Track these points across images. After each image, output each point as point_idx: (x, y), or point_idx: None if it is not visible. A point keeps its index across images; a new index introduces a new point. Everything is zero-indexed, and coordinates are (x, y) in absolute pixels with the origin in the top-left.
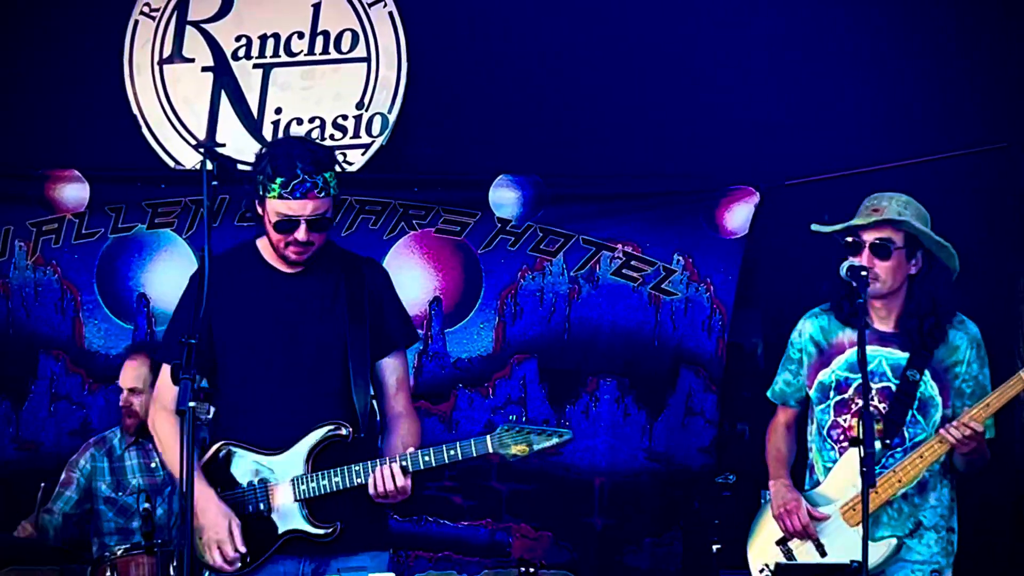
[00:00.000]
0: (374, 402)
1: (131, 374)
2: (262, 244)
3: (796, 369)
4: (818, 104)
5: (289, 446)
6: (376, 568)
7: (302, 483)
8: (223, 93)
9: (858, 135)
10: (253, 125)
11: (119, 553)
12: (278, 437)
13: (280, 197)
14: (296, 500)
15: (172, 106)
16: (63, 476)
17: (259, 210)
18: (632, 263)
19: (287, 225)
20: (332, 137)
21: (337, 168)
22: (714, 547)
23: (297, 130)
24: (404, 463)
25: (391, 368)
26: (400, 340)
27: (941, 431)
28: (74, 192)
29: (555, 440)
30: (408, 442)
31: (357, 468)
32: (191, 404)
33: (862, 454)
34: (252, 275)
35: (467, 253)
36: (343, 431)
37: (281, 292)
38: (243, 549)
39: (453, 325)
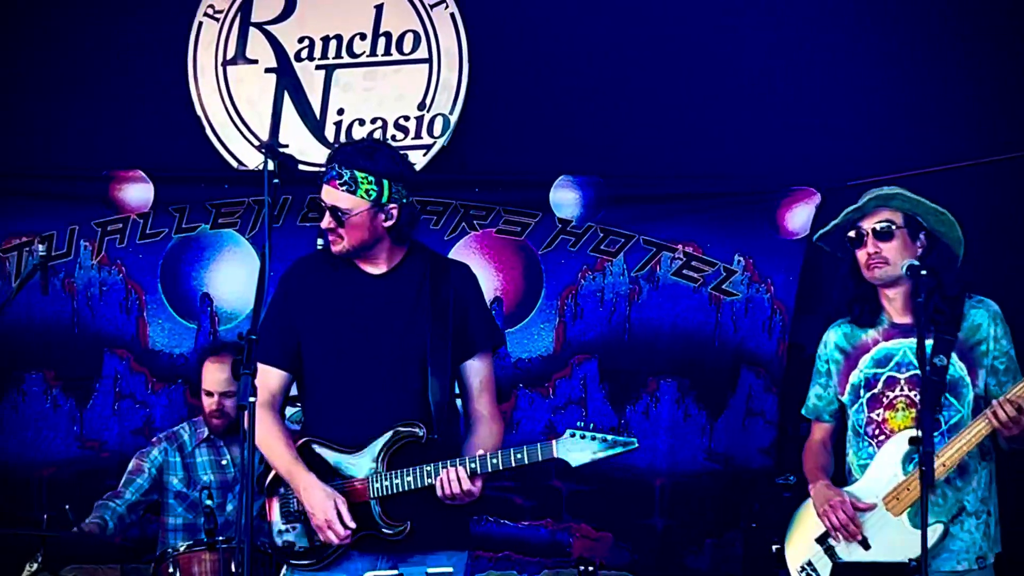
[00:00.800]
0: (459, 402)
1: (220, 377)
2: None
3: (826, 381)
4: (881, 105)
5: (366, 445)
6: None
7: (376, 481)
8: (286, 94)
9: (922, 136)
10: (315, 126)
11: (182, 549)
12: (357, 435)
13: (322, 182)
14: (371, 498)
15: (235, 107)
16: (132, 464)
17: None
18: (693, 263)
19: (321, 211)
20: (394, 138)
21: (385, 178)
22: (773, 548)
23: (359, 131)
24: (473, 465)
25: (474, 370)
26: (484, 343)
27: (988, 411)
28: (139, 192)
29: (620, 449)
30: (486, 445)
31: (428, 468)
32: (252, 400)
33: (920, 452)
34: (338, 275)
35: (528, 253)
36: (418, 431)
37: (366, 293)
38: (353, 525)
39: (514, 325)
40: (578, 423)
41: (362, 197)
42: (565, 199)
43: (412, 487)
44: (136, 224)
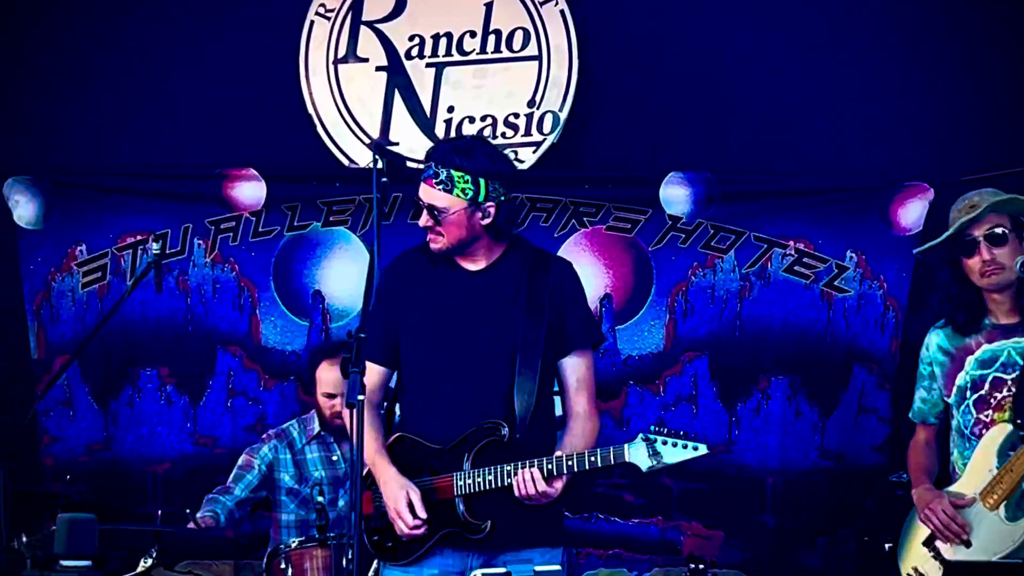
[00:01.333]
0: (557, 399)
1: (333, 378)
2: None
3: (929, 384)
4: (992, 100)
5: (455, 441)
6: (546, 562)
7: (460, 479)
8: (396, 92)
9: None
10: (426, 124)
11: (293, 545)
12: (447, 432)
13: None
14: (456, 495)
15: (346, 105)
16: (242, 460)
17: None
18: (804, 260)
19: (420, 209)
20: (504, 135)
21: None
22: (887, 546)
23: (469, 128)
24: (549, 467)
25: (571, 367)
26: (583, 340)
27: None
28: (251, 191)
29: (690, 454)
30: (578, 444)
31: (508, 468)
32: (360, 398)
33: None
34: (437, 271)
35: (638, 250)
36: (501, 430)
37: (463, 289)
38: (423, 515)
39: (624, 322)
40: (651, 427)
41: (458, 196)
42: (675, 196)
43: (492, 486)
44: (249, 222)
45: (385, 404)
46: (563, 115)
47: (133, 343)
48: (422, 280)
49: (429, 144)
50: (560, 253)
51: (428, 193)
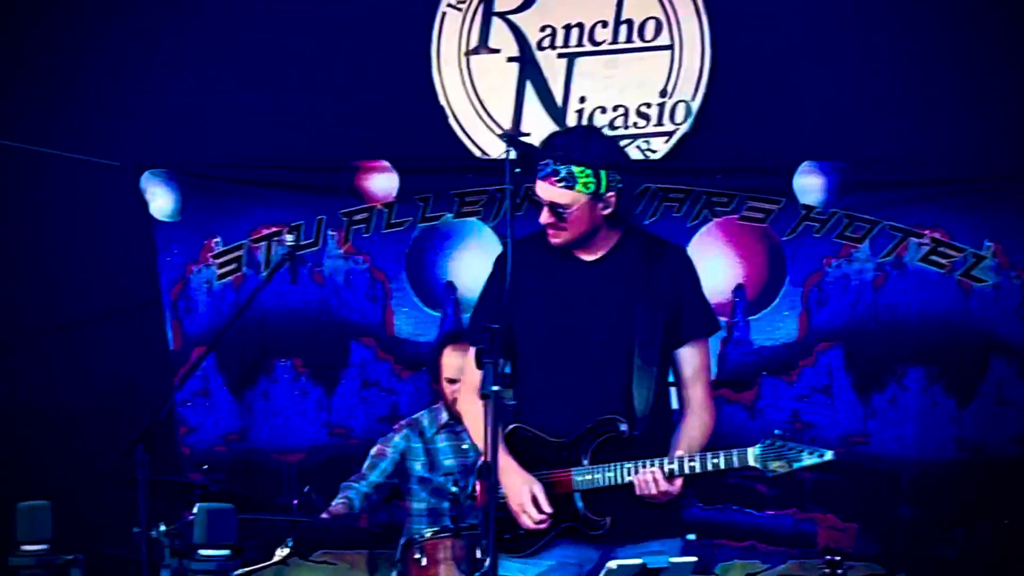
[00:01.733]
0: (672, 390)
1: (456, 363)
2: None
3: None
4: None
5: (572, 435)
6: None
7: (579, 475)
8: (528, 83)
9: None
10: (557, 114)
11: (428, 535)
12: (564, 426)
13: (537, 178)
14: (574, 491)
15: (478, 96)
16: (375, 449)
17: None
18: (940, 249)
19: (540, 206)
20: (635, 125)
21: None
22: None
23: (600, 119)
24: (671, 467)
25: (687, 358)
26: (699, 330)
27: None
28: (384, 182)
29: (815, 460)
30: (693, 436)
31: (628, 466)
32: (494, 388)
33: None
34: (552, 261)
35: (771, 240)
36: (620, 426)
37: (578, 280)
38: (549, 510)
39: (757, 312)
40: (775, 431)
41: (580, 191)
42: (809, 185)
43: (612, 483)
44: (381, 213)
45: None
46: (695, 104)
47: (268, 334)
48: (537, 270)
49: None
50: (692, 243)
51: (548, 191)
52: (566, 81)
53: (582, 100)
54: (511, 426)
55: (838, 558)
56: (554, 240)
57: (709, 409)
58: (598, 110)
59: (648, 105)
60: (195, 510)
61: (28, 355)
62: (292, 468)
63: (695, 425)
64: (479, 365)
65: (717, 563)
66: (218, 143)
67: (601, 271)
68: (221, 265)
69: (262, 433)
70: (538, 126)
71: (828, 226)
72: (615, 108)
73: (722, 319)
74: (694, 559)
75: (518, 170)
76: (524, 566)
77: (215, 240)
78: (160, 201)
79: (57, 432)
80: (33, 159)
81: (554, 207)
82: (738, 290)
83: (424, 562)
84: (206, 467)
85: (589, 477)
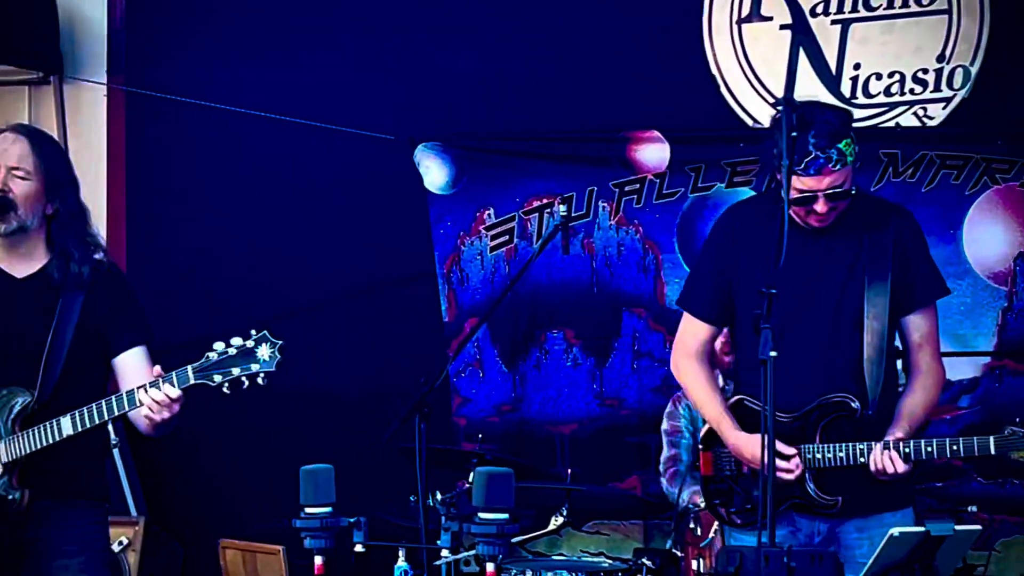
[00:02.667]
0: (899, 361)
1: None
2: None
3: None
4: None
5: (800, 410)
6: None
7: (807, 453)
8: (801, 50)
9: None
10: (831, 81)
11: (703, 506)
12: (790, 399)
13: (795, 174)
14: (805, 469)
15: (750, 65)
16: (668, 426)
17: (779, 177)
18: None
19: (805, 200)
20: (912, 91)
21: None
22: None
23: (876, 85)
24: (907, 450)
25: (915, 325)
26: (927, 297)
27: None
28: (655, 153)
29: None
30: (919, 401)
31: (861, 447)
32: (772, 354)
33: None
34: (775, 227)
35: None
36: (851, 404)
37: (804, 249)
38: (791, 451)
39: None
40: (1017, 419)
41: (849, 165)
42: None
43: (843, 463)
44: (653, 184)
45: None
46: (974, 69)
47: (540, 305)
48: (760, 235)
49: (835, 103)
50: (971, 211)
51: (833, 180)
52: (840, 48)
53: (856, 67)
54: (735, 397)
55: None
56: (821, 224)
57: (935, 373)
58: (873, 76)
59: (925, 71)
60: (471, 476)
61: (306, 326)
62: (564, 439)
63: (921, 388)
64: (756, 330)
65: (997, 539)
66: (490, 115)
67: (828, 239)
68: (493, 237)
69: (534, 404)
70: (811, 94)
71: None
72: (891, 74)
73: (1001, 288)
74: (978, 528)
75: (795, 134)
76: (754, 538)
77: (488, 212)
78: (434, 174)
79: (335, 400)
80: (312, 134)
81: (834, 194)
82: (1019, 259)
83: (699, 532)
84: (481, 436)
85: (819, 456)
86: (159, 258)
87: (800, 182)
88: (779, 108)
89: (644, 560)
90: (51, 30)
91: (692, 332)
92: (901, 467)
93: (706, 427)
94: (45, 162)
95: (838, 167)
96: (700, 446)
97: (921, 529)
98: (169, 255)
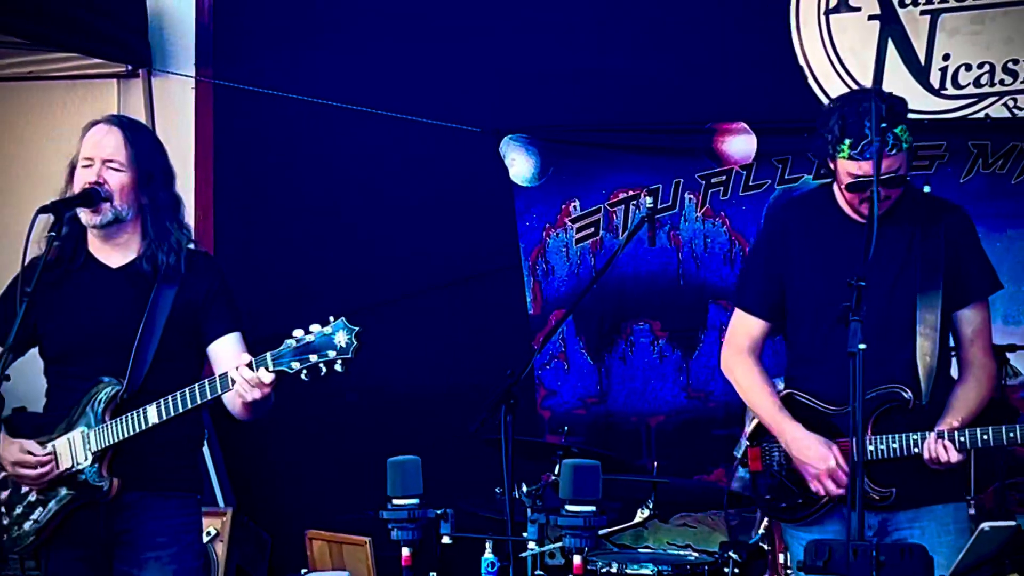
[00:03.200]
0: (954, 355)
1: None
2: (837, 190)
3: None
4: None
5: (848, 403)
6: (952, 518)
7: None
8: (889, 41)
9: None
10: (920, 73)
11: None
12: (840, 394)
13: (850, 158)
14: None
15: (838, 56)
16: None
17: (831, 165)
18: None
19: (859, 186)
20: (1002, 82)
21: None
22: None
23: (965, 76)
24: (962, 439)
25: (967, 319)
26: (980, 291)
27: None
28: (742, 144)
29: None
30: (969, 398)
31: (915, 438)
32: (861, 346)
33: None
34: (826, 222)
35: None
36: (903, 395)
37: (855, 243)
38: (844, 466)
39: None
40: None
41: (905, 151)
42: None
43: (897, 454)
44: (739, 176)
45: None
46: None
47: (625, 297)
48: (811, 230)
49: (924, 94)
50: None
51: (889, 164)
52: (929, 38)
53: (945, 58)
54: (784, 391)
55: None
56: (878, 212)
57: (987, 369)
58: (963, 67)
59: (1016, 61)
60: (557, 469)
61: (393, 319)
62: (651, 431)
63: (973, 383)
64: (845, 323)
65: None
66: (576, 107)
67: (880, 232)
68: (579, 229)
69: (620, 396)
70: (900, 86)
71: None
72: (980, 65)
73: None
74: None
75: (884, 124)
76: (807, 534)
77: (573, 204)
78: (519, 166)
79: (422, 393)
80: (399, 126)
81: (890, 179)
82: None
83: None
84: (566, 429)
85: (872, 448)
86: (246, 251)
87: (857, 167)
88: (831, 100)
89: (730, 553)
90: (140, 23)
91: (743, 329)
92: (955, 456)
93: (753, 422)
94: (139, 153)
95: (894, 152)
96: (747, 442)
97: (1012, 524)
98: (256, 248)
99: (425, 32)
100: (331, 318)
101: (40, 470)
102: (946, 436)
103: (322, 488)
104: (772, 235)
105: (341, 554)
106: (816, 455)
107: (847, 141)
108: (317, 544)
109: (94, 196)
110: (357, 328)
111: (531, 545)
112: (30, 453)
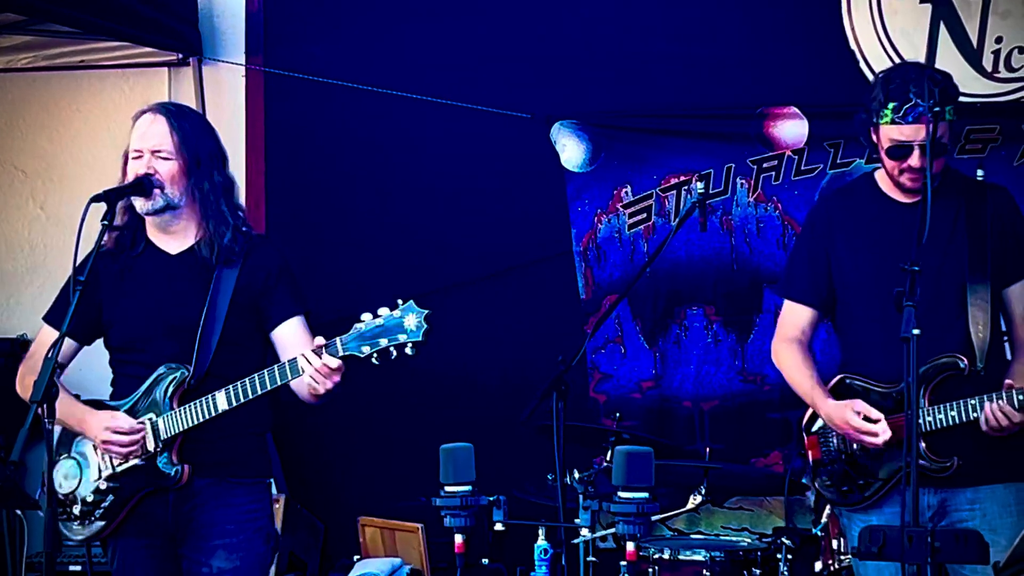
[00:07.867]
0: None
1: None
2: (879, 176)
3: None
4: None
5: (903, 381)
6: (1014, 499)
7: (920, 417)
8: (942, 24)
9: None
10: (972, 56)
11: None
12: (895, 372)
13: (893, 123)
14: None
15: (890, 39)
16: None
17: (873, 138)
18: None
19: (900, 151)
20: None
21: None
22: None
23: (1019, 59)
24: (1021, 398)
25: (1016, 296)
26: None
27: None
28: (793, 129)
29: None
30: None
31: (972, 403)
32: (915, 332)
33: None
34: (870, 207)
35: None
36: (959, 363)
37: (899, 223)
38: (878, 416)
39: None
40: None
41: (947, 121)
42: None
43: (956, 422)
44: (791, 160)
45: None
46: None
47: (679, 282)
48: (853, 215)
49: (976, 77)
50: None
51: (924, 132)
52: (981, 21)
53: (998, 41)
54: (837, 377)
55: None
56: (914, 185)
57: None
58: (1016, 50)
59: None
60: (609, 455)
61: (444, 305)
62: (705, 416)
63: None
64: (898, 308)
65: None
66: (627, 93)
67: (920, 213)
68: (631, 215)
69: (674, 380)
70: (952, 68)
71: None
72: None
73: None
74: None
75: (936, 109)
76: (868, 517)
77: (625, 189)
78: (571, 152)
79: (474, 379)
80: (450, 112)
81: (937, 147)
82: None
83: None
84: (619, 415)
85: (930, 418)
86: (298, 239)
87: (899, 131)
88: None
89: (783, 539)
90: (190, 11)
91: (792, 318)
92: (1017, 417)
93: (808, 412)
94: (185, 139)
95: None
96: (803, 432)
97: None
98: (307, 237)
99: (476, 19)
100: (399, 300)
101: (133, 437)
102: (1004, 397)
103: (374, 475)
104: (815, 225)
105: (394, 541)
106: (839, 422)
107: (891, 105)
108: (370, 531)
109: (146, 184)
110: (427, 311)
111: (584, 532)
112: (122, 422)
